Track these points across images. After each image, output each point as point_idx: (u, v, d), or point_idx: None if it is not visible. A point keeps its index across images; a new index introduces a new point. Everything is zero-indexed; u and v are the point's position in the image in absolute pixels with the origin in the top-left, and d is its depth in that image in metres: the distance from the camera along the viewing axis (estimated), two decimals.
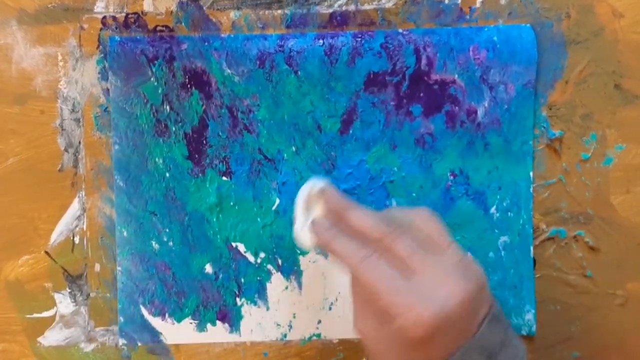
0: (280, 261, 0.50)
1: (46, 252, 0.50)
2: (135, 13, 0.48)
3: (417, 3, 0.48)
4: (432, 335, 0.35)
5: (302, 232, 0.42)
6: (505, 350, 0.37)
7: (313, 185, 0.43)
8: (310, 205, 0.43)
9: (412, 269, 0.36)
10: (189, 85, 0.48)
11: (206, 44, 0.48)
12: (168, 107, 0.49)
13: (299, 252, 0.50)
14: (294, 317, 0.51)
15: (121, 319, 0.50)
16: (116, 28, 0.48)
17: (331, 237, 0.40)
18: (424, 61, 0.48)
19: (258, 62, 0.48)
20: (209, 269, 0.50)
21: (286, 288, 0.50)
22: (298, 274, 0.50)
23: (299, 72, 0.48)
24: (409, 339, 0.35)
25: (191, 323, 0.50)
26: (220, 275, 0.50)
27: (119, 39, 0.48)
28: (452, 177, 0.49)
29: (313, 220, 0.42)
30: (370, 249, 0.38)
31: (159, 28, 0.48)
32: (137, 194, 0.49)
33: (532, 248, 0.50)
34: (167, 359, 0.51)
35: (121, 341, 0.50)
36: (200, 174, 0.49)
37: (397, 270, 0.37)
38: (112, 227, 0.50)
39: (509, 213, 0.50)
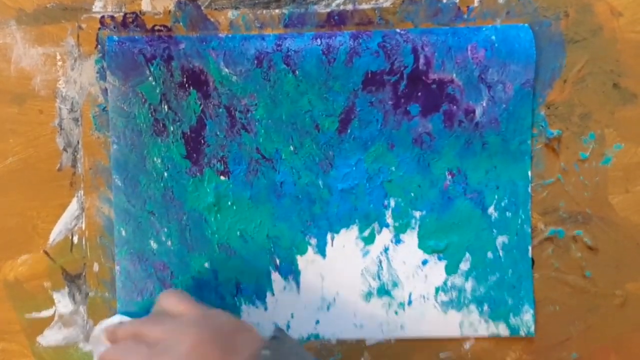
0: (278, 261, 0.50)
1: (45, 252, 0.50)
2: (133, 13, 0.49)
3: (415, 2, 0.48)
4: None
5: None
6: None
7: (101, 327, 0.45)
8: (99, 342, 0.45)
9: (156, 339, 0.40)
10: (186, 85, 0.49)
11: (204, 43, 0.48)
12: (166, 107, 0.49)
13: (296, 252, 0.50)
14: (292, 317, 0.51)
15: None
16: (114, 28, 0.49)
17: (103, 355, 0.42)
18: (421, 61, 0.48)
19: (256, 62, 0.48)
20: (207, 268, 0.50)
21: (284, 288, 0.50)
22: (296, 274, 0.50)
23: (297, 72, 0.48)
24: None
25: None
26: (219, 275, 0.50)
27: (117, 39, 0.48)
28: (450, 177, 0.49)
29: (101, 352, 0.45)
30: (126, 344, 0.41)
31: (157, 28, 0.49)
32: (135, 193, 0.50)
33: (530, 248, 0.50)
34: None
35: None
36: (198, 174, 0.49)
37: (144, 346, 0.40)
38: (110, 227, 0.50)
39: (507, 213, 0.50)
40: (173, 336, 0.39)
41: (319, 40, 0.48)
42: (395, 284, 0.50)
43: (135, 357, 0.39)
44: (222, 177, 0.49)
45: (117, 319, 0.46)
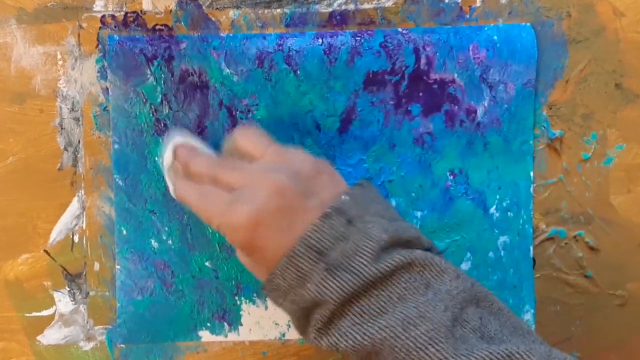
0: None
1: (45, 251, 0.50)
2: (134, 12, 0.48)
3: (416, 2, 0.48)
4: (253, 236, 0.38)
5: (169, 183, 0.46)
6: (343, 243, 0.37)
7: (169, 141, 0.46)
8: (169, 157, 0.46)
9: (234, 185, 0.40)
10: (187, 85, 0.48)
11: (205, 43, 0.48)
12: (167, 107, 0.49)
13: None
14: None
15: (120, 317, 0.50)
16: (115, 27, 0.48)
17: (179, 186, 0.43)
18: (423, 60, 0.48)
19: (257, 62, 0.48)
20: (207, 267, 0.50)
21: None
22: None
23: (298, 72, 0.48)
24: (239, 246, 0.39)
25: (190, 322, 0.50)
26: (219, 274, 0.50)
27: (118, 38, 0.48)
28: (451, 177, 0.49)
29: (169, 168, 0.46)
30: (205, 182, 0.42)
31: (158, 27, 0.48)
32: (136, 193, 0.49)
33: (532, 248, 0.50)
34: (166, 357, 0.51)
35: (120, 340, 0.50)
36: None
37: (223, 191, 0.40)
38: (111, 226, 0.50)
39: (509, 213, 0.50)
40: (251, 183, 0.39)
41: (320, 40, 0.48)
42: None
43: (215, 203, 0.39)
44: None
45: (184, 137, 0.46)
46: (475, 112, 0.49)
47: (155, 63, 0.48)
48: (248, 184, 0.39)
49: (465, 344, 0.35)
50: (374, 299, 0.36)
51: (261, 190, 0.38)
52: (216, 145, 0.46)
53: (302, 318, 0.38)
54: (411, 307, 0.36)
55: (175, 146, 0.45)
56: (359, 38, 0.48)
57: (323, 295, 0.36)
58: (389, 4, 0.48)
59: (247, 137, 0.44)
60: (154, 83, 0.48)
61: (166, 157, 0.45)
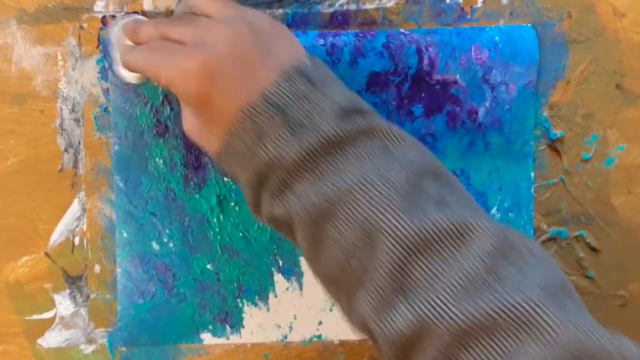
0: (281, 262, 0.50)
1: (46, 253, 0.50)
2: (135, 12, 0.48)
3: (418, 2, 0.48)
4: (208, 86, 0.36)
5: (119, 75, 0.46)
6: (304, 102, 0.36)
7: (117, 24, 0.46)
8: (118, 41, 0.45)
9: (187, 39, 0.38)
10: None
11: None
12: (168, 108, 0.48)
13: (299, 253, 0.50)
14: (295, 318, 0.50)
15: (121, 320, 0.50)
16: None
17: (129, 56, 0.42)
18: (426, 61, 0.48)
19: None
20: (209, 270, 0.50)
21: (287, 289, 0.50)
22: (299, 275, 0.50)
23: None
24: (191, 100, 0.37)
25: (191, 325, 0.50)
26: (221, 277, 0.50)
27: None
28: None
29: (121, 52, 0.44)
30: (153, 43, 0.40)
31: None
32: (137, 194, 0.49)
33: None
34: None
35: (121, 343, 0.50)
36: (200, 175, 0.49)
37: (174, 44, 0.38)
38: (112, 228, 0.50)
39: (510, 213, 0.50)
40: (207, 35, 0.37)
41: (323, 40, 0.48)
42: None
43: (165, 55, 0.38)
44: (224, 178, 0.49)
45: (134, 16, 0.46)
46: (477, 113, 0.49)
47: None
48: (204, 37, 0.37)
49: (421, 208, 0.34)
50: (331, 159, 0.35)
51: (219, 37, 0.37)
52: None
53: (257, 188, 0.37)
54: (369, 169, 0.35)
55: (123, 24, 0.45)
56: (361, 38, 0.48)
57: (281, 154, 0.35)
58: (390, 4, 0.48)
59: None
60: (155, 83, 0.48)
61: (114, 38, 0.45)
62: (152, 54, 0.39)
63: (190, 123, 0.40)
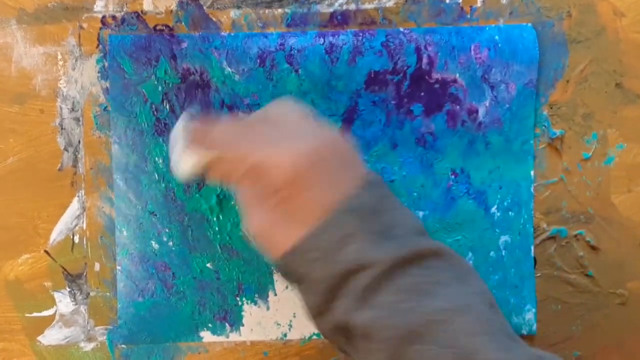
0: None
1: (46, 251, 0.50)
2: (135, 12, 0.48)
3: (417, 2, 0.48)
4: (299, 176, 0.35)
5: (180, 158, 0.41)
6: (386, 214, 0.36)
7: (181, 124, 0.43)
8: (181, 138, 0.42)
9: (274, 131, 0.37)
10: (188, 84, 0.48)
11: (206, 42, 0.48)
12: (168, 106, 0.49)
13: None
14: (294, 316, 0.50)
15: (121, 318, 0.50)
16: (116, 27, 0.48)
17: (200, 150, 0.39)
18: (425, 60, 0.48)
19: (258, 61, 0.48)
20: (209, 268, 0.50)
21: (286, 288, 0.50)
22: None
23: (300, 71, 0.48)
24: (278, 186, 0.35)
25: (191, 323, 0.50)
26: (220, 275, 0.50)
27: (119, 38, 0.48)
28: (453, 177, 0.49)
29: (187, 144, 0.41)
30: (232, 136, 0.39)
31: (158, 27, 0.48)
32: (136, 193, 0.49)
33: (532, 247, 0.50)
34: (167, 358, 0.51)
35: (121, 340, 0.50)
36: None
37: (259, 135, 0.37)
38: (111, 227, 0.50)
39: (510, 212, 0.50)
40: (299, 129, 0.37)
41: (322, 39, 0.48)
42: None
43: (255, 139, 0.37)
44: None
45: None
46: (477, 112, 0.49)
47: (156, 62, 0.48)
48: (296, 130, 0.37)
49: (512, 337, 0.34)
50: (416, 275, 0.35)
51: (315, 137, 0.36)
52: None
53: (332, 292, 0.35)
54: (456, 292, 0.34)
55: (186, 124, 0.42)
56: (360, 37, 0.48)
57: (369, 261, 0.34)
58: (390, 4, 0.48)
59: (283, 106, 0.41)
60: (155, 82, 0.48)
61: (182, 130, 0.42)
62: (244, 137, 0.38)
63: (260, 219, 0.38)
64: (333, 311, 0.36)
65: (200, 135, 0.40)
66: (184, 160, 0.41)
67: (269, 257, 0.38)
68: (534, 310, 0.50)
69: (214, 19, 0.48)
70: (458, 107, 0.49)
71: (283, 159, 0.35)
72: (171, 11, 0.48)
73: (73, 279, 0.50)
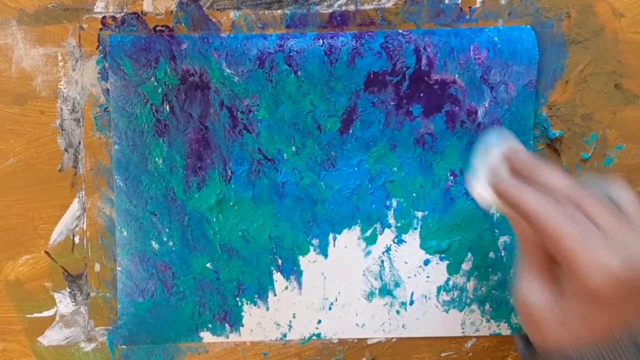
0: (280, 261, 0.50)
1: (46, 252, 0.50)
2: (135, 13, 0.48)
3: (417, 3, 0.48)
4: (611, 295, 0.33)
5: (484, 191, 0.40)
6: None
7: (494, 145, 0.42)
8: (488, 153, 0.42)
9: (606, 229, 0.34)
10: (188, 85, 0.48)
11: (206, 43, 0.48)
12: (168, 107, 0.49)
13: (298, 252, 0.50)
14: (294, 317, 0.51)
15: (121, 318, 0.50)
16: (116, 28, 0.48)
17: (518, 191, 0.37)
18: (424, 61, 0.48)
19: (258, 62, 0.48)
20: (208, 269, 0.50)
21: (286, 288, 0.50)
22: (298, 274, 0.50)
23: (299, 72, 0.48)
24: (590, 288, 0.33)
25: (191, 323, 0.50)
26: (220, 276, 0.50)
27: (119, 38, 0.48)
28: (452, 177, 0.49)
29: (498, 177, 0.40)
30: (563, 202, 0.35)
31: (158, 28, 0.48)
32: (137, 194, 0.49)
33: None
34: (167, 358, 0.51)
35: (121, 341, 0.50)
36: (199, 174, 0.49)
37: (589, 224, 0.34)
38: (112, 227, 0.50)
39: None
40: (630, 238, 0.34)
41: (321, 40, 0.48)
42: (397, 284, 0.50)
43: (588, 232, 0.34)
44: (223, 178, 0.49)
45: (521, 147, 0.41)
46: (476, 112, 0.49)
47: (156, 64, 0.48)
48: (631, 242, 0.34)
49: None
50: None
51: None
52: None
53: None
54: None
55: (508, 148, 0.41)
56: (359, 39, 0.48)
57: None
58: (389, 4, 0.48)
59: (629, 196, 0.38)
60: (155, 83, 0.48)
61: (488, 145, 0.42)
62: (560, 212, 0.35)
63: (541, 299, 0.36)
64: None
65: (514, 169, 0.39)
66: (484, 196, 0.40)
67: (527, 332, 0.37)
68: None
69: (213, 20, 0.48)
70: (457, 108, 0.49)
71: (608, 271, 0.33)
72: (171, 12, 0.48)
73: (73, 280, 0.50)
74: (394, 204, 0.50)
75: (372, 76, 0.48)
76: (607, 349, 0.34)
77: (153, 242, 0.50)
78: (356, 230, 0.50)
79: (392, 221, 0.50)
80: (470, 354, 0.51)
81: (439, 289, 0.50)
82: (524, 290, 0.37)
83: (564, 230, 0.34)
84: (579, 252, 0.33)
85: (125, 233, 0.50)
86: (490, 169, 0.40)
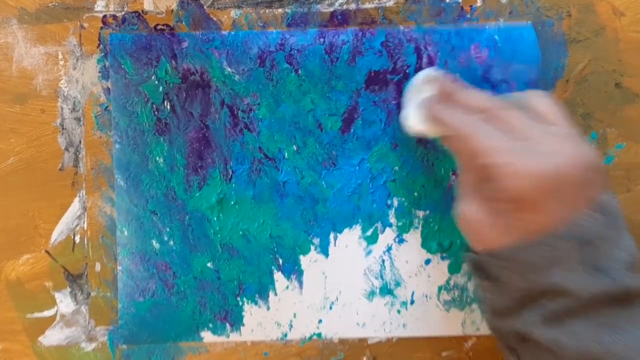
0: (281, 261, 0.50)
1: (47, 252, 0.50)
2: (135, 12, 0.48)
3: (418, 2, 0.48)
4: (534, 194, 0.35)
5: (412, 113, 0.45)
6: (604, 244, 0.35)
7: (424, 74, 0.46)
8: (420, 90, 0.46)
9: (520, 135, 0.37)
10: (189, 84, 0.48)
11: (207, 42, 0.48)
12: (168, 106, 0.49)
13: (299, 251, 0.50)
14: (295, 316, 0.51)
15: (122, 318, 0.50)
16: (116, 27, 0.48)
17: (440, 108, 0.41)
18: (425, 60, 0.48)
19: (258, 61, 0.48)
20: (209, 268, 0.50)
21: (287, 288, 0.50)
22: (299, 273, 0.50)
23: (300, 71, 0.48)
24: (509, 195, 0.36)
25: (192, 323, 0.50)
26: (221, 275, 0.50)
27: (120, 37, 0.48)
28: (453, 177, 0.49)
29: (424, 98, 0.44)
30: (479, 115, 0.39)
31: (159, 27, 0.48)
32: (137, 193, 0.49)
33: None
34: (168, 358, 0.51)
35: (122, 340, 0.50)
36: (200, 173, 0.49)
37: (505, 133, 0.37)
38: (112, 227, 0.50)
39: None
40: (547, 141, 0.36)
41: (322, 39, 0.48)
42: (398, 284, 0.50)
43: (500, 141, 0.36)
44: (224, 177, 0.49)
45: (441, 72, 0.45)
46: None
47: (157, 62, 0.48)
48: (542, 141, 0.36)
49: None
50: (617, 311, 0.34)
51: (562, 155, 0.36)
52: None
53: (522, 303, 0.36)
54: None
55: (434, 76, 0.45)
56: (360, 37, 0.48)
57: (571, 287, 0.35)
58: (390, 3, 0.48)
59: (544, 101, 0.40)
60: (156, 82, 0.48)
61: (417, 83, 0.46)
62: (484, 132, 0.38)
63: (477, 212, 0.39)
64: (516, 319, 0.36)
65: (444, 96, 0.42)
66: (416, 120, 0.44)
67: (471, 244, 0.40)
68: None
69: (214, 18, 0.48)
70: None
71: (522, 175, 0.35)
72: (172, 11, 0.48)
73: (74, 279, 0.50)
74: (395, 203, 0.50)
75: (373, 75, 0.48)
76: (545, 246, 0.35)
77: (154, 242, 0.50)
78: (357, 230, 0.50)
79: (393, 220, 0.50)
80: (471, 354, 0.51)
81: (439, 288, 0.50)
82: (462, 206, 0.40)
83: (484, 142, 0.37)
84: (499, 160, 0.36)
85: (126, 232, 0.50)
86: (422, 99, 0.45)
